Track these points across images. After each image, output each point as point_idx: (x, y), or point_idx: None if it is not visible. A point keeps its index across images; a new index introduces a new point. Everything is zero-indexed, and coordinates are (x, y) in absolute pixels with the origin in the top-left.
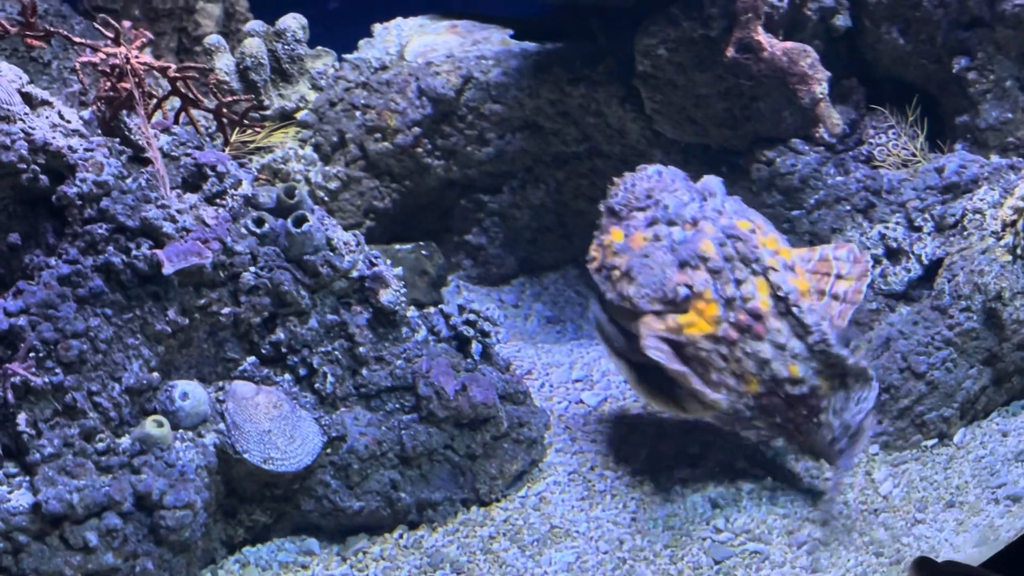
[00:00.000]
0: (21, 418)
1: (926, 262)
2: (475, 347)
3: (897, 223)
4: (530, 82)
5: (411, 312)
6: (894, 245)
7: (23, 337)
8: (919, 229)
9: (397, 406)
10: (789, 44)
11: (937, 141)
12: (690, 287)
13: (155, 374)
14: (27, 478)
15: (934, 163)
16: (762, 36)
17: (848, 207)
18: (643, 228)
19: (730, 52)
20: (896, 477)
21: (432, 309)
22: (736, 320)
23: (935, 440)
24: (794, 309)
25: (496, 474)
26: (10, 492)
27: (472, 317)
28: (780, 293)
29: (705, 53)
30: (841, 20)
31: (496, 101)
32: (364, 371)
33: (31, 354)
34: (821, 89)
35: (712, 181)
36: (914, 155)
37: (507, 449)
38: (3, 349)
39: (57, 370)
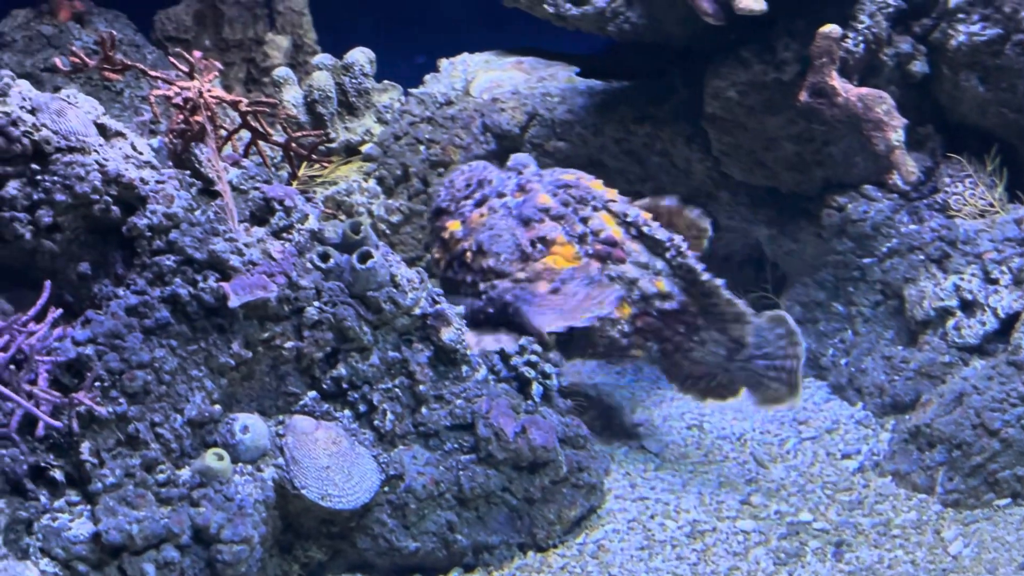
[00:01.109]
0: (85, 447)
1: (1002, 315)
2: (536, 389)
3: (973, 275)
4: (595, 120)
5: (472, 351)
6: (969, 297)
7: (90, 366)
8: (995, 281)
9: (456, 446)
10: (864, 90)
11: (1017, 192)
12: (542, 238)
13: (217, 407)
14: (88, 507)
15: (1013, 214)
16: (836, 81)
17: (922, 256)
18: (477, 209)
19: (803, 96)
20: (966, 537)
21: (493, 348)
22: (595, 251)
23: (1008, 500)
24: (645, 229)
25: (554, 519)
26: (71, 521)
27: (533, 358)
28: (628, 219)
29: (776, 96)
30: (918, 66)
31: (560, 138)
32: (424, 409)
33: (96, 383)
34: (897, 136)
35: (522, 156)
36: (992, 205)
37: (566, 494)
38: (70, 378)
39: (121, 400)
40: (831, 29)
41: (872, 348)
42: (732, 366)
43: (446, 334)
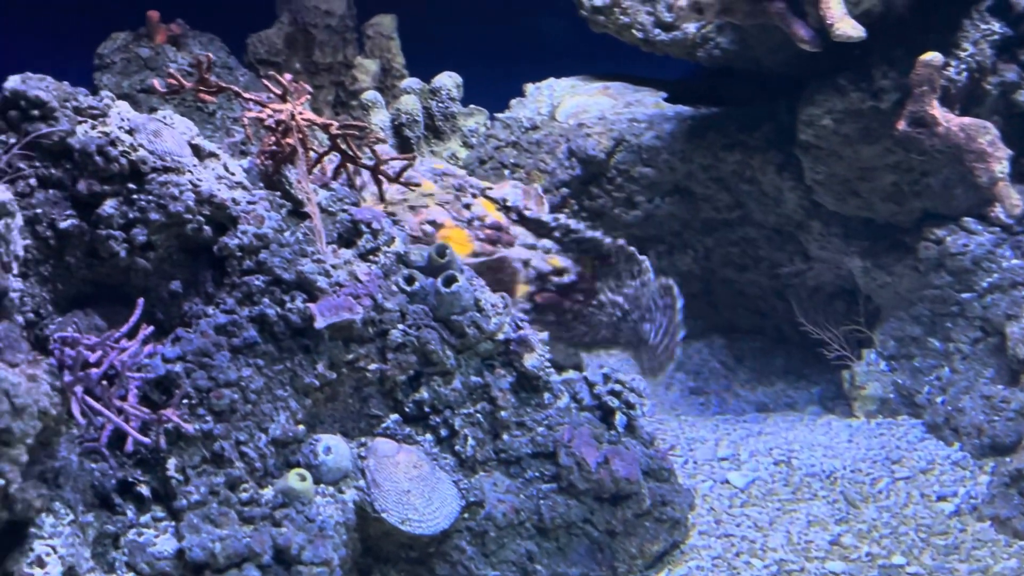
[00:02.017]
0: (171, 463)
1: None
2: (619, 419)
3: None
4: (683, 146)
5: (554, 378)
6: None
7: (178, 384)
8: None
9: (537, 474)
10: (967, 119)
11: None
12: (431, 221)
13: (301, 427)
14: (173, 523)
15: None
16: (937, 110)
17: None
18: None
19: (901, 125)
20: None
21: (575, 375)
22: (485, 236)
23: None
24: (526, 212)
25: (636, 553)
26: (156, 536)
27: (618, 387)
28: (507, 204)
29: (874, 125)
30: None
31: (647, 164)
32: (505, 436)
33: (184, 401)
34: (1001, 168)
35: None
36: None
37: (649, 528)
38: (159, 394)
39: (208, 418)
40: (932, 57)
41: (970, 386)
42: (624, 325)
43: (529, 360)
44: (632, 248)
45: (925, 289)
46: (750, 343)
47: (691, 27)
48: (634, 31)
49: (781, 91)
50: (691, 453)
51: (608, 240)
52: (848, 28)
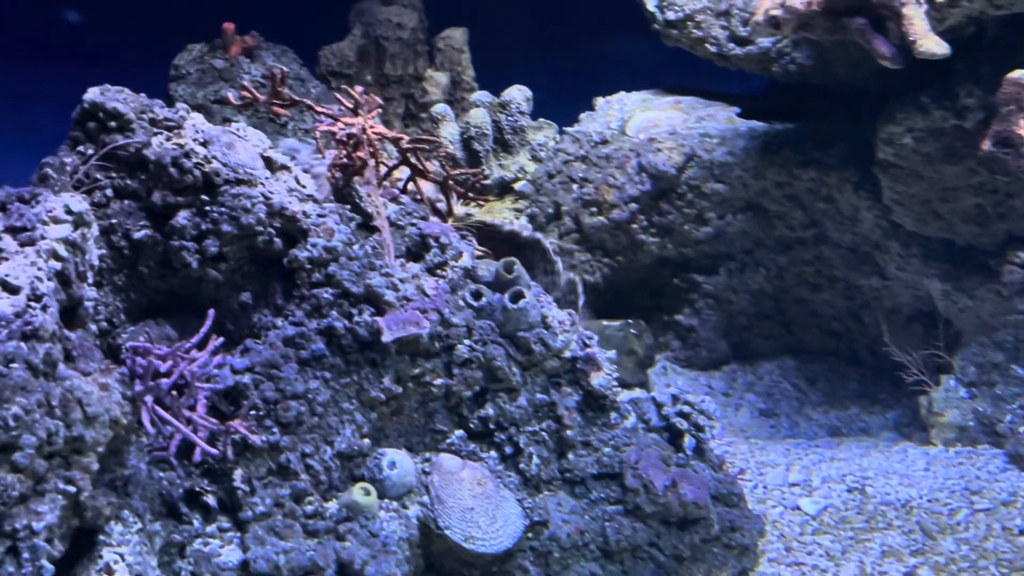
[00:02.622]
0: (237, 474)
1: None
2: (688, 441)
3: None
4: (756, 163)
5: (621, 397)
6: None
7: (246, 395)
8: None
9: (602, 496)
10: None
11: None
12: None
13: (366, 440)
14: (238, 534)
15: None
16: None
17: None
18: None
19: (986, 145)
20: None
21: (643, 395)
22: None
23: None
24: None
25: None
26: (221, 547)
27: (687, 409)
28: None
29: (957, 145)
30: None
31: (719, 180)
32: (570, 455)
33: (252, 412)
34: None
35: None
36: None
37: (716, 554)
38: (227, 405)
39: (275, 430)
40: (1021, 75)
41: None
42: None
43: (596, 379)
44: (547, 243)
45: (1009, 314)
46: (823, 365)
47: (766, 41)
48: (708, 45)
49: (859, 108)
50: (761, 477)
51: (526, 232)
52: (932, 45)
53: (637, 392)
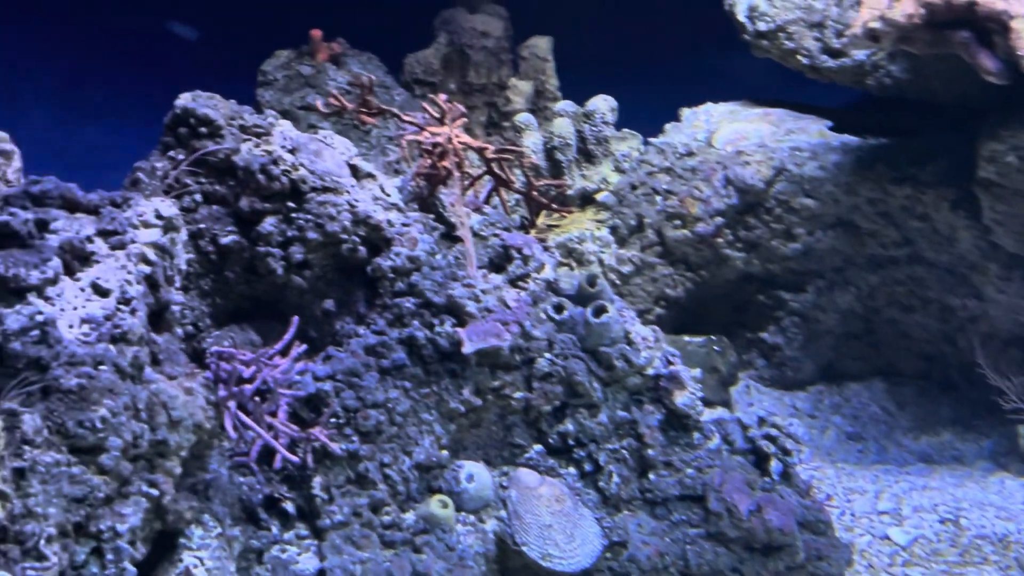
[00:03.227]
0: (316, 482)
1: None
2: (775, 465)
3: None
4: (848, 178)
5: (705, 417)
6: None
7: (327, 402)
8: None
9: (683, 518)
10: None
11: None
12: None
13: (444, 452)
14: (316, 542)
15: None
16: None
17: None
18: None
19: None
20: None
21: (727, 416)
22: None
23: None
24: None
25: None
26: (299, 554)
27: (774, 432)
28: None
29: None
30: None
31: (809, 195)
32: (651, 475)
33: (332, 420)
34: None
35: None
36: None
37: None
38: (308, 412)
39: (354, 438)
40: None
41: None
42: None
43: (679, 398)
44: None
45: None
46: (914, 388)
47: (861, 54)
48: (799, 57)
49: (957, 123)
50: (848, 504)
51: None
52: None
53: (719, 411)
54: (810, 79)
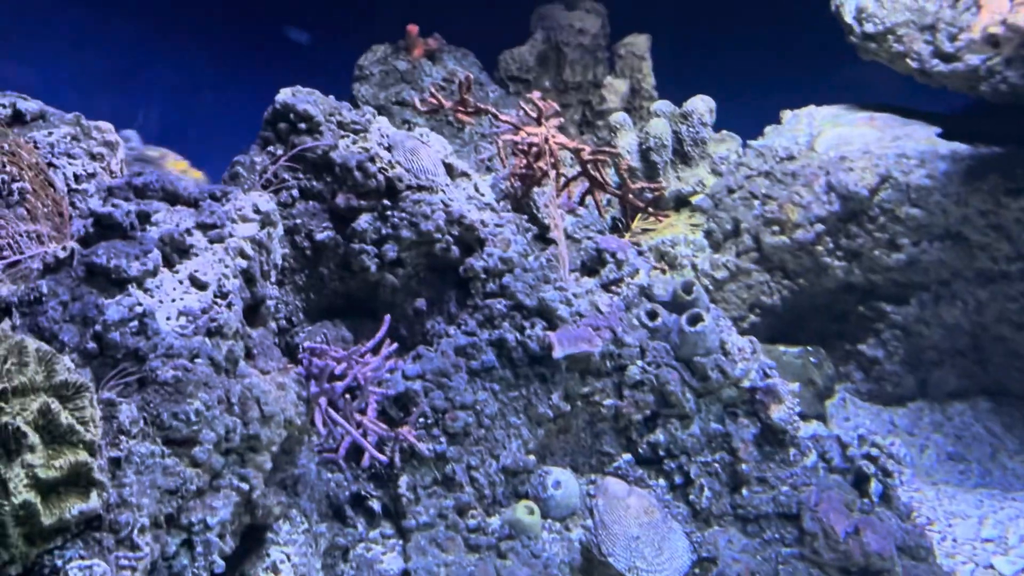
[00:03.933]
0: (403, 482)
1: None
2: (875, 486)
3: None
4: (958, 188)
5: (802, 433)
6: None
7: (416, 402)
8: None
9: (776, 536)
10: None
11: None
12: None
13: (531, 457)
14: (400, 542)
15: None
16: None
17: None
18: None
19: None
20: None
21: (826, 432)
22: None
23: None
24: None
25: None
26: (384, 554)
27: (875, 452)
28: None
29: None
30: None
31: (915, 205)
32: (744, 491)
33: (420, 420)
34: None
35: None
36: None
37: None
38: (396, 411)
39: (442, 439)
40: None
41: None
42: None
43: (776, 412)
44: None
45: None
46: (1022, 409)
47: (975, 59)
48: (909, 60)
49: None
50: (950, 529)
51: None
52: None
53: (815, 426)
54: (919, 83)
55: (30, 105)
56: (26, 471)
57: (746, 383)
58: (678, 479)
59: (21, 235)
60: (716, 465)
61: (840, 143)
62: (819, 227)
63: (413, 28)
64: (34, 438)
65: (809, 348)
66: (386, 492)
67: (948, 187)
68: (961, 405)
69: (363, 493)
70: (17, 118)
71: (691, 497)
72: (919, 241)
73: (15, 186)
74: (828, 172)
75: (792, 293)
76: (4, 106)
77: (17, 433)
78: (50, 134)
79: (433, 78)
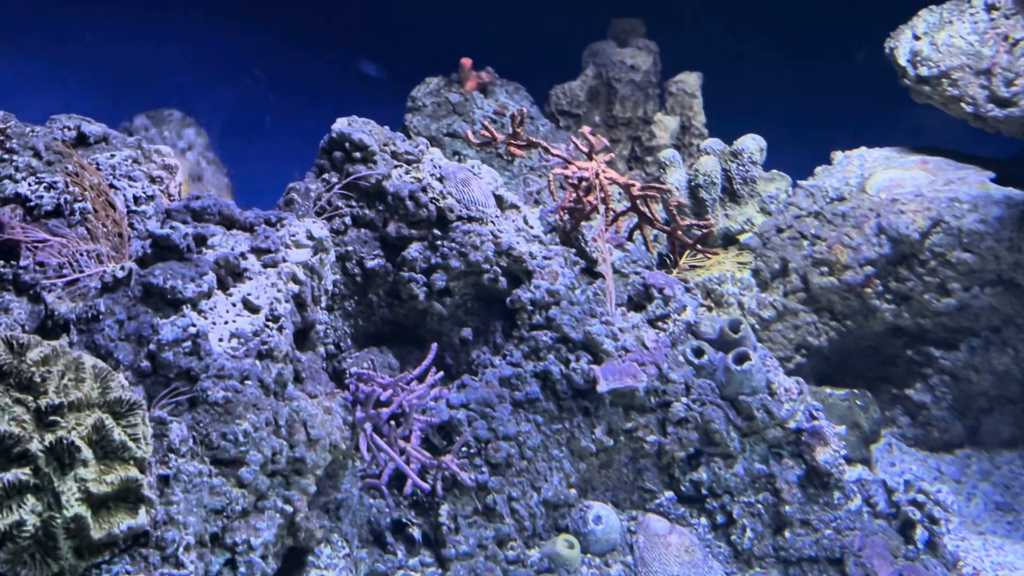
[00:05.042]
0: (444, 510)
1: None
2: (920, 533)
3: None
4: (1011, 233)
5: (847, 477)
6: None
7: (459, 431)
8: None
9: None
10: None
11: None
12: None
13: (573, 491)
14: (439, 571)
15: None
16: None
17: None
18: None
19: None
20: None
21: (871, 477)
22: None
23: None
24: None
25: None
26: None
27: (921, 498)
28: None
29: None
30: None
31: (967, 249)
32: (787, 533)
33: (463, 449)
34: None
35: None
36: None
37: None
38: (439, 439)
39: (484, 469)
40: None
41: None
42: None
43: (821, 454)
44: None
45: None
46: None
47: None
48: (963, 105)
49: None
50: None
51: None
52: None
53: (860, 469)
54: (973, 127)
55: (94, 128)
56: (79, 485)
57: (792, 424)
58: (720, 519)
59: (81, 254)
60: (759, 506)
61: (892, 185)
62: (868, 269)
63: (467, 61)
64: (87, 453)
65: (855, 391)
66: (427, 520)
67: (1001, 232)
68: (1011, 454)
69: (404, 520)
70: (81, 140)
71: (733, 537)
72: (970, 286)
73: (77, 206)
74: (879, 214)
75: (839, 335)
76: (69, 128)
77: (72, 447)
78: (112, 156)
79: (484, 111)
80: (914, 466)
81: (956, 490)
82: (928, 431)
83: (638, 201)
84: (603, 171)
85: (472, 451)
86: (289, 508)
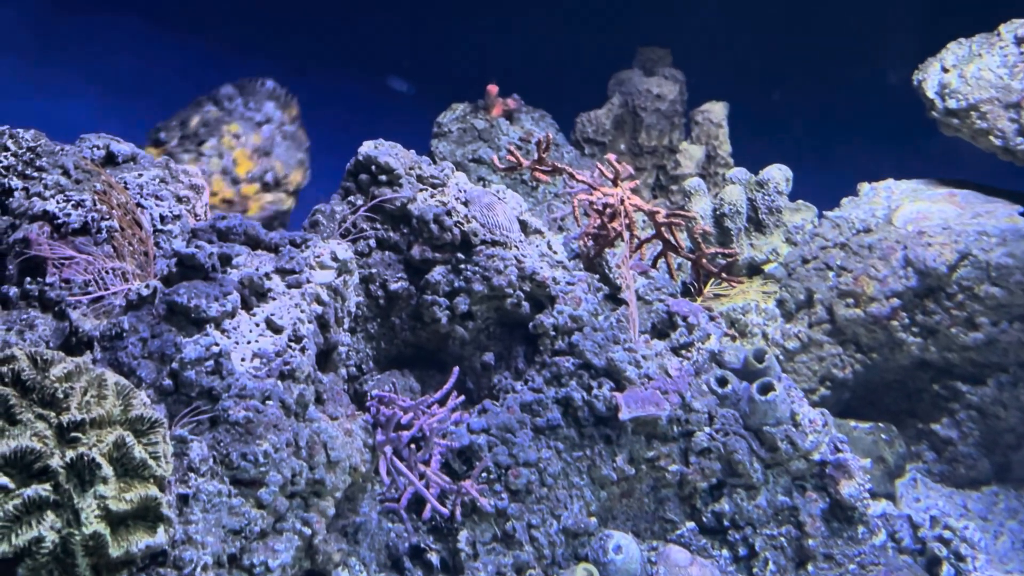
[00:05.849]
0: (463, 536)
1: None
2: (946, 570)
3: None
4: None
5: (872, 511)
6: None
7: (480, 456)
8: None
9: None
10: None
11: None
12: None
13: (593, 519)
14: None
15: None
16: None
17: None
18: None
19: None
20: None
21: (896, 512)
22: None
23: None
24: None
25: None
26: None
27: (948, 534)
28: None
29: None
30: None
31: (995, 283)
32: (810, 567)
33: (483, 474)
34: None
35: None
36: None
37: None
38: (459, 464)
39: (504, 495)
40: None
41: None
42: None
43: (846, 488)
44: None
45: None
46: None
47: None
48: (992, 138)
49: None
50: None
51: None
52: None
53: (884, 504)
54: (1003, 161)
55: (123, 147)
56: (98, 502)
57: (816, 456)
58: (742, 551)
59: (107, 271)
60: (782, 539)
61: (919, 218)
62: (895, 302)
63: (493, 88)
64: (108, 470)
65: (880, 425)
66: (445, 546)
67: None
68: None
69: (422, 545)
70: (110, 159)
71: (755, 570)
72: (998, 321)
73: (104, 224)
74: (906, 246)
75: (865, 367)
76: (98, 147)
77: (92, 464)
78: (139, 176)
79: (510, 137)
80: (940, 502)
81: (983, 527)
82: (954, 467)
83: (663, 228)
84: (628, 197)
85: (492, 477)
86: (308, 530)
